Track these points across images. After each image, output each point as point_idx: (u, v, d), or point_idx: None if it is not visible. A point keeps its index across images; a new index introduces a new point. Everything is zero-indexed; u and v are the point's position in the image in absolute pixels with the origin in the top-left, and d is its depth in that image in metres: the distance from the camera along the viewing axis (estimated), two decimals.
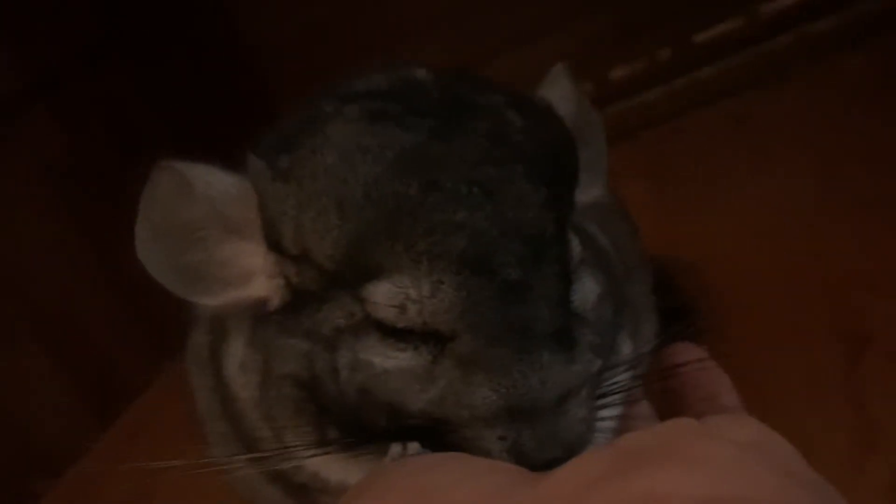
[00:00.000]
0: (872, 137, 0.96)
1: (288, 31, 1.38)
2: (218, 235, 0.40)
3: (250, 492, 0.47)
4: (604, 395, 0.40)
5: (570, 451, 0.35)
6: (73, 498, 0.95)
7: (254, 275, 0.40)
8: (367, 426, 0.38)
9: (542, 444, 0.35)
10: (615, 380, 0.41)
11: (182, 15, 1.38)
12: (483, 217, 0.36)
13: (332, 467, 0.40)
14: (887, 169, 0.90)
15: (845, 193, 0.88)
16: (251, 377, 0.41)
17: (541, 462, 0.34)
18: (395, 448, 0.37)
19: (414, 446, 0.37)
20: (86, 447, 1.00)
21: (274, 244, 0.39)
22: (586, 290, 0.40)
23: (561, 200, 0.39)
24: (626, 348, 0.45)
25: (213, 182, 0.40)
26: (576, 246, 0.39)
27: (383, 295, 0.36)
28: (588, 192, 0.46)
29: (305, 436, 0.39)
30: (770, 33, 1.22)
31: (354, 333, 0.37)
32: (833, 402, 0.66)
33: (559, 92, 0.45)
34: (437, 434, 0.36)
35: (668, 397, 0.48)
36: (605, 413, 0.40)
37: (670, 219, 0.93)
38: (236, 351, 0.42)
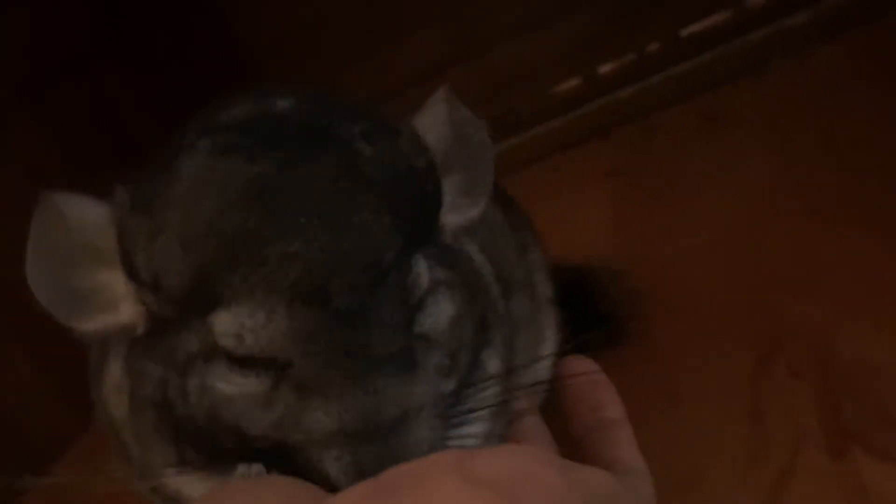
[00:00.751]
0: (844, 136, 0.95)
1: (283, 31, 1.40)
2: (88, 264, 0.42)
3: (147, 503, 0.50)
4: (464, 413, 0.41)
5: None
6: (54, 496, 0.98)
7: (121, 302, 0.42)
8: (219, 447, 0.39)
9: (379, 464, 0.36)
10: (478, 397, 0.42)
11: (176, 15, 1.40)
12: (318, 247, 0.37)
13: (192, 485, 0.42)
14: (851, 169, 0.89)
15: (801, 197, 0.87)
16: (122, 398, 0.43)
17: None
18: (242, 468, 0.39)
19: (257, 468, 0.38)
20: (66, 447, 1.03)
21: (131, 273, 0.41)
22: (439, 312, 0.42)
23: (410, 227, 0.40)
24: (492, 366, 0.46)
25: (84, 213, 0.41)
26: (423, 271, 0.41)
27: (222, 324, 0.38)
28: (465, 213, 0.47)
29: (166, 455, 0.41)
30: (750, 27, 1.21)
31: (205, 359, 0.39)
32: (735, 412, 0.66)
33: (433, 118, 0.46)
34: (281, 456, 0.38)
35: (557, 410, 0.49)
36: (466, 430, 0.41)
37: (629, 220, 0.93)
38: (113, 373, 0.44)
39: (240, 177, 0.39)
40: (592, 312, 0.77)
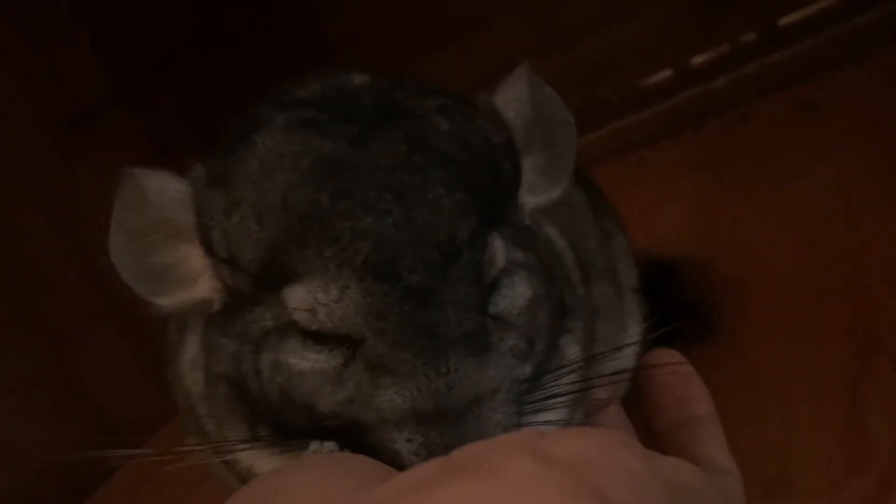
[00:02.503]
0: None
1: (365, 22, 1.41)
2: (167, 239, 0.42)
3: (222, 479, 0.50)
4: (540, 400, 0.40)
5: None
6: (139, 476, 1.01)
7: (199, 277, 0.42)
8: (291, 424, 0.39)
9: (450, 447, 0.35)
10: (555, 384, 0.41)
11: (261, 12, 1.43)
12: (390, 223, 0.37)
13: (263, 461, 0.42)
14: None
15: None
16: (199, 374, 0.44)
17: None
18: (314, 446, 0.38)
19: (329, 445, 0.38)
20: (154, 431, 1.06)
21: (208, 248, 0.41)
22: (514, 295, 0.40)
23: (485, 205, 0.39)
24: (571, 353, 0.44)
25: (164, 188, 0.42)
26: (499, 250, 0.39)
27: (296, 299, 0.37)
28: (545, 194, 0.45)
29: (239, 431, 0.41)
30: (854, 12, 1.15)
31: (279, 335, 0.39)
32: (830, 410, 0.62)
33: (513, 94, 0.44)
34: (353, 435, 0.37)
35: (642, 402, 0.47)
36: (542, 417, 0.40)
37: (717, 213, 0.90)
38: (189, 349, 0.45)
39: (313, 152, 0.39)
40: (677, 305, 0.74)
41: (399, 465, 0.36)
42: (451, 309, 0.37)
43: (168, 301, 0.43)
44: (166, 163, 0.43)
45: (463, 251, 0.37)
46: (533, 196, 0.45)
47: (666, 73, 1.31)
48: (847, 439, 0.60)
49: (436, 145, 0.39)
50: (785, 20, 1.22)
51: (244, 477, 0.44)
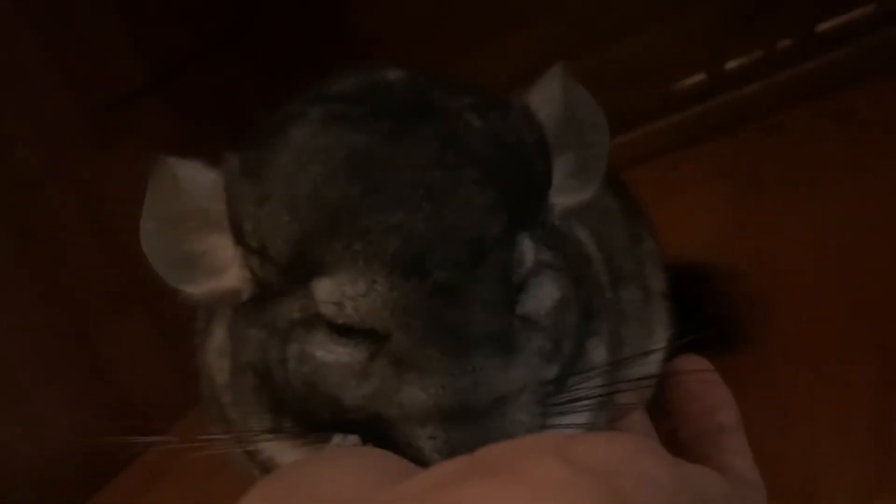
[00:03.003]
0: None
1: (400, 20, 1.41)
2: (198, 228, 0.42)
3: (243, 469, 0.50)
4: (565, 402, 0.40)
5: None
6: (160, 462, 1.02)
7: (228, 267, 0.42)
8: (315, 417, 0.39)
9: (473, 446, 0.35)
10: (580, 387, 0.41)
11: (297, 5, 1.43)
12: (420, 219, 0.37)
13: (286, 453, 0.42)
14: None
15: None
16: (225, 363, 0.44)
17: None
18: (337, 439, 0.38)
19: (353, 439, 0.38)
20: (177, 418, 1.07)
21: (238, 238, 0.41)
22: (543, 295, 0.40)
23: (515, 205, 0.39)
24: (597, 356, 0.44)
25: (196, 177, 0.42)
26: (528, 250, 0.39)
27: (324, 291, 0.37)
28: (575, 196, 0.45)
29: (263, 422, 0.41)
30: (892, 21, 1.13)
31: (306, 327, 0.39)
32: (856, 427, 0.61)
33: (547, 94, 0.44)
34: (377, 429, 0.37)
35: (667, 409, 0.46)
36: (566, 420, 0.40)
37: (748, 222, 0.89)
38: (216, 337, 0.45)
39: (346, 146, 0.39)
40: (704, 313, 0.74)
41: (421, 461, 0.36)
42: (478, 307, 0.36)
43: (197, 290, 0.43)
44: (197, 152, 0.44)
45: (492, 250, 0.37)
46: (563, 197, 0.44)
47: (699, 78, 1.29)
48: (874, 458, 0.58)
49: (468, 143, 0.39)
50: (821, 27, 1.20)
51: (266, 467, 0.44)
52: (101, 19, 1.22)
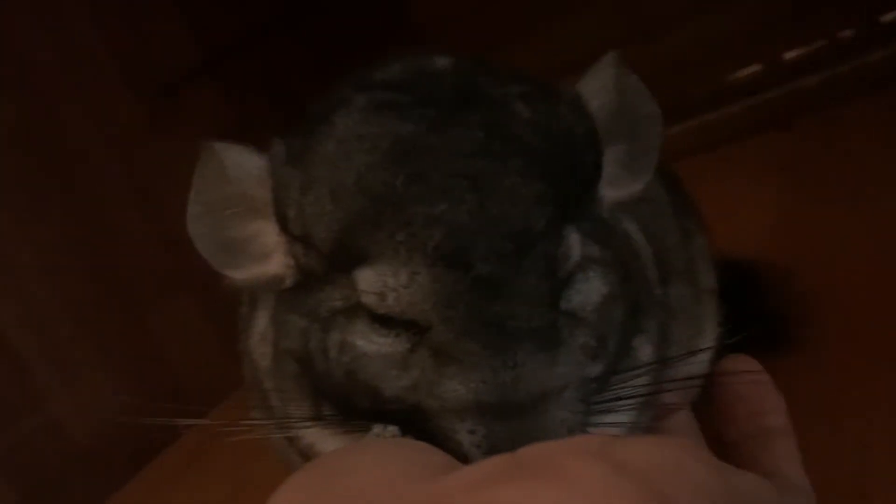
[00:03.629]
0: None
1: (455, 7, 1.40)
2: (244, 214, 0.42)
3: (283, 454, 0.50)
4: (608, 400, 0.39)
5: None
6: (203, 443, 1.03)
7: (273, 253, 0.42)
8: (355, 406, 0.39)
9: (513, 442, 0.35)
10: (625, 385, 0.40)
11: None
12: (465, 210, 0.36)
13: (326, 441, 0.42)
14: None
15: None
16: (267, 349, 0.44)
17: None
18: (377, 429, 0.38)
19: (392, 429, 0.38)
20: (222, 398, 1.08)
21: (283, 225, 0.41)
22: (589, 290, 0.39)
23: (562, 197, 0.38)
24: (644, 354, 0.43)
25: (243, 163, 0.42)
26: (575, 244, 0.38)
27: (366, 281, 0.37)
28: (626, 188, 0.44)
29: (303, 409, 0.41)
30: None
31: (348, 316, 0.39)
32: None
33: (599, 83, 0.43)
34: (416, 421, 0.37)
35: (715, 410, 0.45)
36: (610, 418, 0.39)
37: (802, 218, 0.86)
38: (260, 323, 0.45)
39: (391, 134, 0.38)
40: (755, 312, 0.72)
41: (460, 455, 0.35)
42: (521, 301, 0.36)
43: (242, 275, 0.43)
44: (247, 137, 0.44)
45: (537, 243, 0.37)
46: (613, 190, 0.43)
47: (755, 68, 1.26)
48: None
49: (515, 133, 0.39)
50: (886, 17, 1.16)
51: (306, 454, 0.44)
52: (153, 2, 1.24)
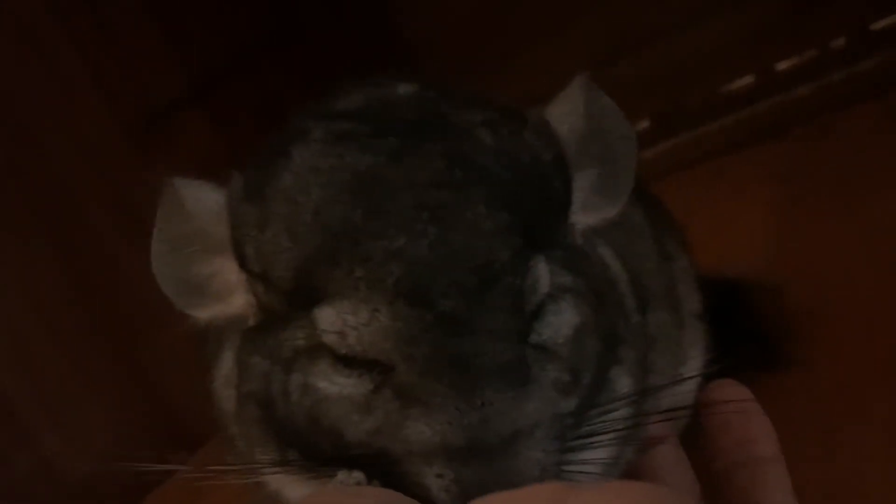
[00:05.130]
0: None
1: (443, 27, 1.39)
2: (204, 251, 0.41)
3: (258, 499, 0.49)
4: (585, 436, 0.37)
5: None
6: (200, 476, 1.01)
7: (234, 291, 0.41)
8: (320, 451, 0.37)
9: (483, 485, 0.33)
10: (603, 419, 0.38)
11: (337, 13, 1.43)
12: (425, 244, 0.35)
13: (292, 486, 0.41)
14: None
15: None
16: (231, 391, 0.42)
17: None
18: (341, 475, 0.37)
19: (357, 475, 0.36)
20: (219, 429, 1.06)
21: (242, 262, 0.40)
22: (560, 322, 0.38)
23: (530, 226, 0.37)
24: (621, 385, 0.41)
25: (201, 199, 0.41)
26: (543, 275, 0.37)
27: (326, 320, 0.36)
28: (600, 214, 0.43)
29: (268, 454, 0.40)
30: None
31: (310, 356, 0.37)
32: None
33: (568, 107, 0.42)
34: (383, 466, 0.35)
35: (702, 439, 0.44)
36: (588, 455, 0.37)
37: (796, 231, 0.84)
38: (225, 365, 0.44)
39: (349, 167, 0.37)
40: (745, 332, 0.70)
41: (429, 501, 0.34)
42: (487, 338, 0.34)
43: (204, 314, 0.42)
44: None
45: (502, 276, 0.35)
46: (586, 215, 0.42)
47: (748, 80, 1.25)
48: None
49: (479, 161, 0.37)
50: (877, 25, 1.15)
51: (273, 501, 0.42)
52: (137, 31, 1.23)
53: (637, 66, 1.23)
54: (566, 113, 0.42)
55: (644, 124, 1.20)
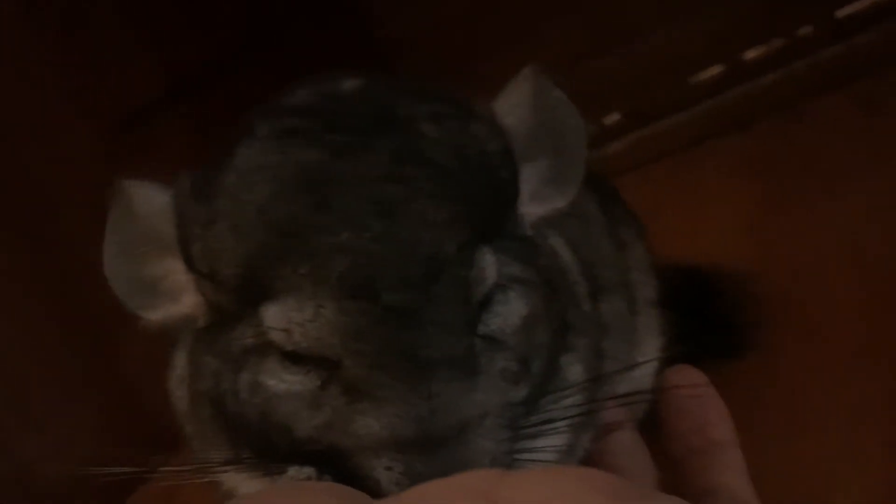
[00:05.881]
0: None
1: (419, 27, 1.39)
2: (154, 252, 0.41)
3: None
4: (537, 424, 0.38)
5: None
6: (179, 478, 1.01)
7: (184, 292, 0.41)
8: (272, 448, 0.38)
9: (435, 476, 0.33)
10: (555, 407, 0.39)
11: (313, 16, 1.42)
12: (370, 238, 0.35)
13: (246, 485, 0.41)
14: None
15: None
16: (185, 392, 0.43)
17: None
18: (292, 471, 0.37)
19: (308, 471, 0.37)
20: None
21: (189, 262, 0.40)
22: (508, 312, 0.38)
23: (477, 217, 0.37)
24: (573, 373, 0.42)
25: (149, 199, 0.41)
26: (489, 265, 0.37)
27: (272, 317, 0.36)
28: (550, 204, 0.43)
29: (222, 453, 0.40)
30: None
31: (259, 354, 0.37)
32: (869, 440, 0.57)
33: (516, 99, 0.42)
34: (334, 461, 0.36)
35: (659, 425, 0.44)
36: (541, 443, 0.38)
37: (765, 219, 0.85)
38: (178, 365, 0.44)
39: (294, 162, 0.37)
40: (714, 319, 0.70)
41: (379, 494, 0.34)
42: (434, 329, 0.35)
43: (156, 315, 0.42)
44: None
45: (448, 268, 0.35)
46: (537, 206, 0.42)
47: (717, 70, 1.26)
48: (888, 470, 0.55)
49: (425, 154, 0.37)
50: (842, 12, 1.16)
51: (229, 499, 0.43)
52: (110, 33, 1.22)
53: (609, 62, 1.23)
54: (514, 104, 0.42)
55: (615, 117, 1.20)
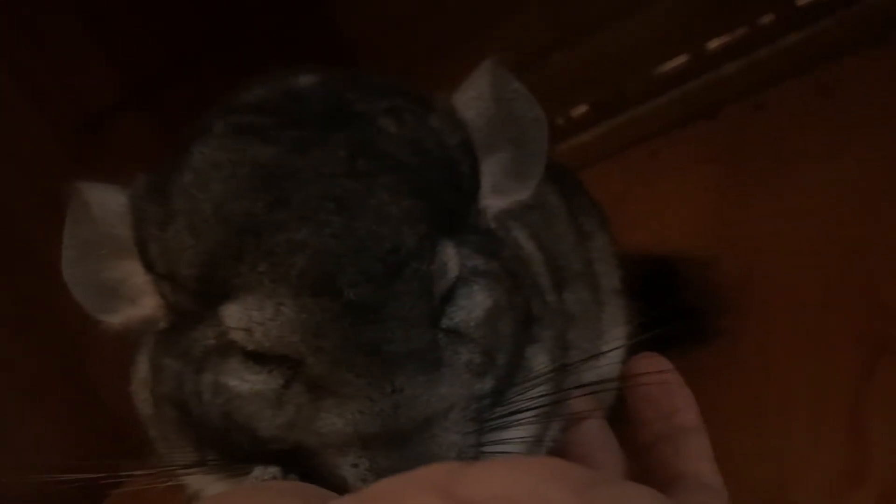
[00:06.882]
0: None
1: (381, 24, 1.39)
2: (112, 255, 0.41)
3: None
4: (504, 416, 0.37)
5: None
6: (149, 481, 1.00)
7: (143, 294, 0.40)
8: (236, 448, 0.37)
9: (401, 471, 0.33)
10: (521, 398, 0.38)
11: (276, 13, 1.41)
12: (329, 234, 0.35)
13: (212, 486, 0.40)
14: None
15: None
16: (148, 394, 0.42)
17: None
18: (257, 471, 0.36)
19: (273, 470, 0.36)
20: None
21: (147, 264, 0.39)
22: (472, 305, 0.38)
23: (437, 212, 0.37)
24: (538, 363, 0.42)
25: (106, 201, 0.40)
26: (451, 259, 0.37)
27: (232, 317, 0.35)
28: (512, 196, 0.43)
29: (186, 455, 0.39)
30: None
31: (221, 355, 0.37)
32: (831, 421, 0.58)
33: (475, 92, 0.42)
34: (299, 459, 0.35)
35: (626, 413, 0.44)
36: (507, 434, 0.38)
37: (728, 208, 0.85)
38: (141, 368, 0.43)
39: (250, 160, 0.37)
40: (674, 306, 0.71)
41: (345, 491, 0.34)
42: (396, 324, 0.34)
43: (117, 319, 0.41)
44: None
45: (409, 262, 0.35)
46: (498, 198, 0.42)
47: (681, 60, 1.27)
48: (848, 451, 0.56)
49: (383, 149, 0.37)
50: (802, 0, 1.17)
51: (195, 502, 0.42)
52: (68, 37, 1.20)
53: (575, 55, 1.24)
54: (473, 98, 0.42)
55: (582, 109, 1.21)
